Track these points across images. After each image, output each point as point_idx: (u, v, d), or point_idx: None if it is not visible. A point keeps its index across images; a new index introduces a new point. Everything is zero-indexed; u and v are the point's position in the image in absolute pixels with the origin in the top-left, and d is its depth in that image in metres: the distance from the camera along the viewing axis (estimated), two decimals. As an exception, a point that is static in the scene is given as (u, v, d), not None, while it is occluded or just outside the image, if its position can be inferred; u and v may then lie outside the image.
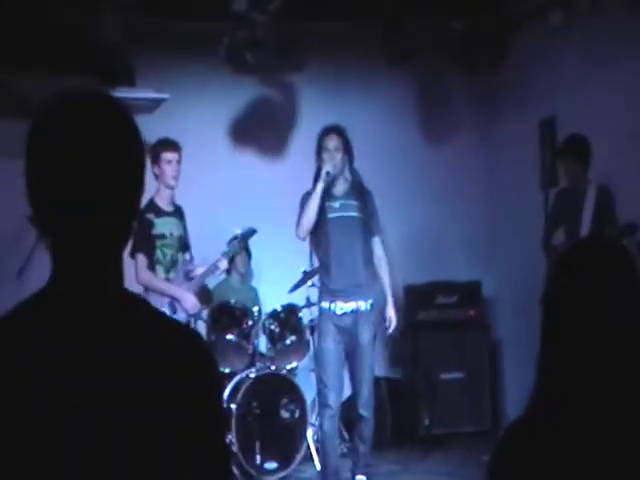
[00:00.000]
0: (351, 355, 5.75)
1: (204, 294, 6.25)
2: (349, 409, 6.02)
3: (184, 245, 6.01)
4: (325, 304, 5.78)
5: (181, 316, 5.77)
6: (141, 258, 5.76)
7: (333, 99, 7.70)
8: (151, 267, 5.86)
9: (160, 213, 5.88)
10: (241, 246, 6.46)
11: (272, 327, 6.64)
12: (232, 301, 6.66)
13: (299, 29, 7.33)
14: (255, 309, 6.67)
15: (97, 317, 1.36)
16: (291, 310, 6.61)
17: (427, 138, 8.23)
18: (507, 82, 7.84)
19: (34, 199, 1.40)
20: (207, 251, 6.51)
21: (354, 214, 5.79)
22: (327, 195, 5.75)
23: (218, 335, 6.51)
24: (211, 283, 6.54)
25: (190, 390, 1.37)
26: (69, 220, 1.38)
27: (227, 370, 6.52)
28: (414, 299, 7.77)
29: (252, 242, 6.81)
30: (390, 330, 5.93)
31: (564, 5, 6.50)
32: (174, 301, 5.78)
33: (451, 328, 7.69)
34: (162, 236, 5.87)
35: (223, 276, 7.17)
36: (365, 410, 5.74)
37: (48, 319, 1.36)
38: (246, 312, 6.58)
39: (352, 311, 5.73)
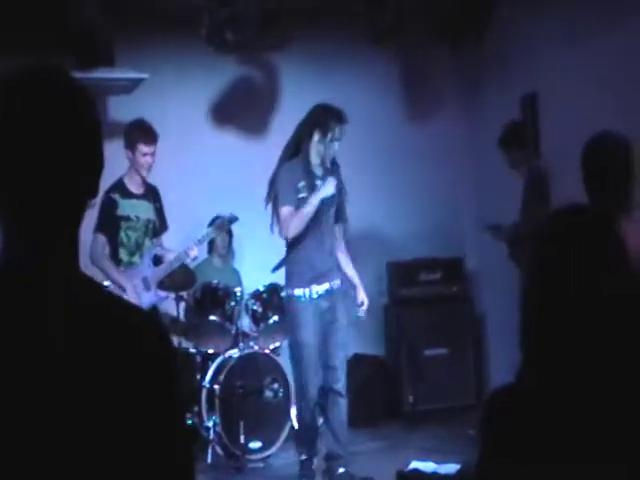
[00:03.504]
0: (327, 337, 5.46)
1: (187, 276, 6.22)
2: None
3: (153, 229, 5.96)
4: (299, 291, 5.41)
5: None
6: (98, 237, 5.70)
7: (315, 78, 7.66)
8: (114, 249, 5.79)
9: (127, 195, 5.82)
10: (217, 233, 6.38)
11: (255, 307, 6.65)
12: (214, 282, 6.66)
13: (280, 7, 7.27)
14: (237, 290, 6.67)
15: (44, 298, 1.34)
16: (274, 290, 6.58)
17: (410, 114, 8.20)
18: (489, 57, 7.82)
19: None
20: (185, 232, 6.50)
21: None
22: (309, 173, 5.44)
23: (201, 316, 6.52)
24: (192, 264, 6.51)
25: (143, 375, 1.35)
26: (16, 198, 1.37)
27: (210, 351, 6.55)
28: (397, 276, 7.78)
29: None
30: (362, 312, 5.66)
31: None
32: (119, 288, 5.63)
33: (435, 304, 7.70)
34: (127, 218, 5.83)
35: (204, 257, 7.15)
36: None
37: None
38: (229, 293, 6.59)
39: (327, 291, 5.45)
